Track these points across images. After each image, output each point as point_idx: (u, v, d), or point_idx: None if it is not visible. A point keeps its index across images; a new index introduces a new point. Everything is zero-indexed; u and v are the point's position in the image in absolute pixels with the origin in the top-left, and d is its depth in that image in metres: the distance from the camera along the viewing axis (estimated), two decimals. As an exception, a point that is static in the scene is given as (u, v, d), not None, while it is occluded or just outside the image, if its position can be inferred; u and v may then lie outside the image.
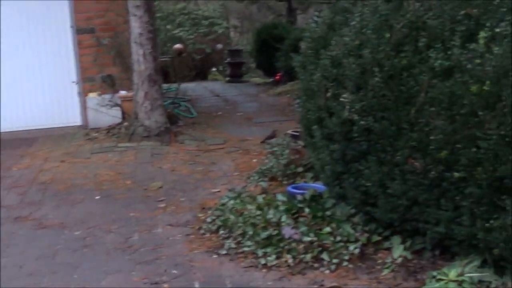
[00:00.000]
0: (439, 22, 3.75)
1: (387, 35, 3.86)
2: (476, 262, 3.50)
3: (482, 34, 3.54)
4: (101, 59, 8.94)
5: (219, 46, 17.10)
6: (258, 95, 12.12)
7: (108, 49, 8.83)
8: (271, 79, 14.03)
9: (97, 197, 5.67)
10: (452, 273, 3.47)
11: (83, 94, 9.02)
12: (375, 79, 3.79)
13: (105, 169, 6.64)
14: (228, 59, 15.96)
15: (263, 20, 20.24)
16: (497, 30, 3.57)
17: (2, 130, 8.62)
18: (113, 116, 8.73)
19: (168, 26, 16.83)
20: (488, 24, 3.65)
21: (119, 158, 7.11)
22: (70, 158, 7.22)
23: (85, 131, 8.62)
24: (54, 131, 8.72)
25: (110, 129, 8.38)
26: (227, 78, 15.51)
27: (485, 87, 3.29)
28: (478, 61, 3.42)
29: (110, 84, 8.82)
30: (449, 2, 3.85)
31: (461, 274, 3.45)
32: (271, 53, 13.50)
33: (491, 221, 3.30)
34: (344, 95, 4.02)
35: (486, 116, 3.29)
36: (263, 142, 7.29)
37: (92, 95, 8.87)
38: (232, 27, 21.65)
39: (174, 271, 3.95)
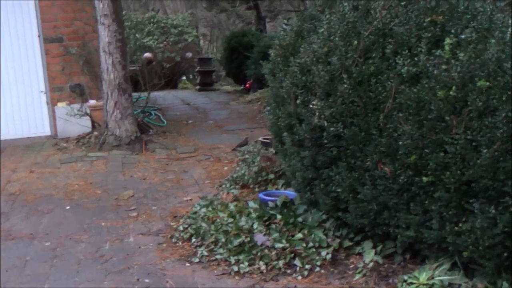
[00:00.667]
0: (406, 29, 3.80)
1: (355, 42, 3.90)
2: (446, 265, 3.56)
3: (447, 40, 3.59)
4: (69, 68, 8.85)
5: (189, 54, 17.07)
6: (228, 103, 12.12)
7: (77, 58, 8.75)
8: (241, 87, 14.05)
9: (67, 207, 5.59)
10: (423, 277, 3.53)
11: (51, 103, 8.91)
12: (344, 85, 3.82)
13: (75, 178, 6.56)
14: (198, 68, 15.94)
15: (233, 28, 20.30)
16: (462, 36, 3.63)
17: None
18: (82, 125, 8.64)
19: (137, 35, 16.72)
20: (453, 31, 3.73)
21: (89, 167, 7.03)
22: (39, 168, 7.12)
23: (54, 141, 8.51)
24: (23, 141, 8.60)
25: (79, 139, 8.29)
26: (197, 87, 15.48)
27: (451, 93, 3.34)
28: (444, 67, 3.47)
29: (79, 94, 8.73)
30: (415, 9, 3.91)
31: (432, 278, 3.51)
32: (241, 61, 13.53)
33: (460, 225, 3.33)
34: (314, 102, 4.04)
35: (453, 121, 3.34)
36: (234, 149, 7.30)
37: (60, 104, 8.77)
38: (201, 36, 21.63)
39: (147, 280, 3.92)
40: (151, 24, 17.72)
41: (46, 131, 8.97)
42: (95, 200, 5.77)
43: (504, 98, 3.17)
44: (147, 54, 15.36)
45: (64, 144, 8.19)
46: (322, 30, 4.25)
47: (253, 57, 12.80)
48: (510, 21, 4.10)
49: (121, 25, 8.01)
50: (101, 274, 4.05)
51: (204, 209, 4.92)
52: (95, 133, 8.31)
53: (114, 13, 7.70)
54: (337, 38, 4.02)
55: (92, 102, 8.61)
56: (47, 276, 4.06)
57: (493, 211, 3.16)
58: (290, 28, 5.03)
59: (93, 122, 8.63)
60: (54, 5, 8.79)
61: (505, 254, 3.21)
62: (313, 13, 4.89)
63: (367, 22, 3.98)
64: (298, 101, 4.22)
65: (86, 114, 8.56)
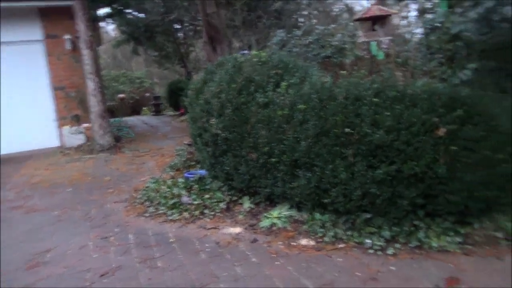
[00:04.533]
0: (261, 77, 3.91)
1: (233, 85, 3.96)
2: (287, 206, 3.68)
3: (283, 83, 3.74)
4: (70, 105, 8.35)
5: (147, 94, 16.57)
6: (170, 122, 11.88)
7: (74, 99, 8.28)
8: (177, 112, 13.81)
9: (68, 190, 5.31)
10: (275, 213, 3.63)
11: (59, 127, 8.37)
12: (228, 110, 3.88)
13: (75, 171, 6.22)
14: (153, 101, 15.50)
15: (172, 78, 19.94)
16: (291, 81, 3.79)
17: (4, 152, 7.82)
18: (79, 139, 8.18)
19: (115, 84, 16.07)
20: (286, 78, 3.87)
21: (84, 164, 6.70)
22: (52, 167, 6.70)
23: (62, 149, 7.99)
24: (41, 151, 8.00)
25: (78, 147, 7.85)
26: (152, 113, 15.05)
27: (285, 112, 3.48)
28: (282, 98, 3.61)
29: (76, 120, 8.26)
30: (266, 67, 4.02)
31: (280, 213, 3.62)
32: (177, 97, 13.27)
33: (293, 183, 3.47)
34: (212, 120, 4.06)
35: (286, 127, 3.47)
36: (188, 144, 6.82)
37: (65, 127, 8.25)
38: (154, 83, 21.02)
39: (116, 229, 3.81)
40: (124, 77, 17.08)
41: (56, 143, 8.40)
42: (86, 184, 5.51)
43: (313, 114, 3.33)
44: (121, 95, 14.80)
45: (68, 151, 7.71)
46: (216, 79, 4.28)
47: (184, 95, 12.61)
48: (313, 70, 4.33)
49: (101, 78, 7.68)
50: (88, 228, 3.90)
51: (153, 185, 4.82)
52: (88, 143, 7.89)
53: (96, 71, 7.39)
54: (224, 83, 4.07)
55: (85, 125, 8.15)
56: (55, 232, 3.87)
57: (309, 175, 3.31)
58: (199, 78, 5.00)
59: (86, 136, 8.19)
60: (58, 67, 8.29)
61: (317, 198, 3.37)
62: (212, 69, 4.91)
63: (240, 74, 4.04)
64: (203, 120, 4.22)
65: (81, 132, 8.11)
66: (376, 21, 3.34)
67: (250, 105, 3.77)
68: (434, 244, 2.91)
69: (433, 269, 2.69)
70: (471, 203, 2.96)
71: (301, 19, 18.79)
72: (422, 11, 4.10)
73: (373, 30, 3.39)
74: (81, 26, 7.28)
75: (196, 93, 4.74)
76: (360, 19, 3.42)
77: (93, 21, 7.61)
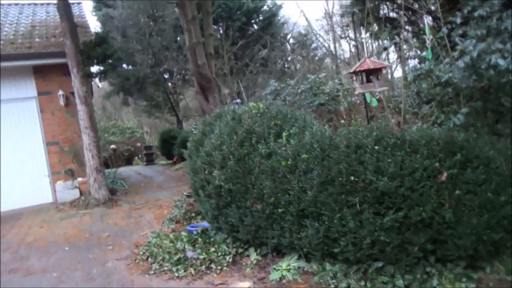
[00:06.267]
0: (262, 128, 3.95)
1: (235, 137, 3.99)
2: (295, 257, 3.62)
3: (284, 134, 3.79)
4: (63, 160, 8.27)
5: (138, 144, 16.57)
6: (164, 171, 11.79)
7: (68, 153, 8.22)
8: (170, 161, 13.78)
9: (66, 248, 5.11)
10: (284, 265, 3.57)
11: (52, 182, 8.24)
12: (231, 162, 3.89)
13: (71, 228, 6.03)
14: (144, 151, 15.49)
15: (162, 127, 20.10)
16: (291, 131, 3.85)
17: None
18: (73, 194, 8.03)
19: (106, 135, 16.07)
20: (286, 128, 3.94)
21: (79, 220, 6.51)
22: (46, 224, 6.49)
23: (55, 205, 7.80)
24: (35, 207, 7.80)
25: (72, 203, 7.67)
26: (145, 163, 14.98)
27: (289, 162, 3.51)
28: (284, 148, 3.65)
29: (71, 175, 8.15)
30: (266, 117, 4.09)
31: (289, 265, 3.56)
32: (169, 146, 13.34)
33: (300, 234, 3.44)
34: (215, 172, 4.06)
35: (291, 177, 3.49)
36: (187, 195, 6.72)
37: (59, 182, 8.13)
38: (145, 132, 21.09)
39: (122, 289, 3.67)
40: (114, 128, 17.12)
41: (50, 199, 8.23)
42: (84, 241, 5.33)
43: (316, 163, 3.38)
44: (112, 146, 14.76)
45: (62, 207, 7.52)
46: (216, 131, 4.31)
47: (176, 143, 12.71)
48: (311, 120, 4.43)
49: (96, 132, 7.67)
50: (92, 289, 3.75)
51: (154, 239, 4.71)
52: (82, 197, 7.73)
53: (92, 126, 7.40)
54: (225, 136, 4.10)
55: (80, 179, 8.05)
56: (56, 295, 3.70)
57: (317, 224, 3.31)
58: (198, 130, 5.03)
59: (80, 191, 8.05)
60: (52, 122, 8.31)
61: (325, 248, 3.35)
62: (210, 121, 4.97)
63: (241, 125, 4.09)
64: (206, 172, 4.22)
65: (76, 187, 7.99)
66: (371, 73, 3.50)
67: (253, 156, 3.80)
68: (448, 290, 2.88)
69: (451, 317, 2.65)
70: (480, 247, 2.97)
71: (287, 65, 19.44)
72: (404, 59, 4.32)
73: (368, 81, 3.54)
74: (76, 82, 7.39)
75: (196, 145, 4.76)
76: (355, 72, 3.57)
77: (88, 77, 7.72)
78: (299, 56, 20.33)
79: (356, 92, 3.69)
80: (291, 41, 20.55)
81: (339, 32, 22.28)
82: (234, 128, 4.10)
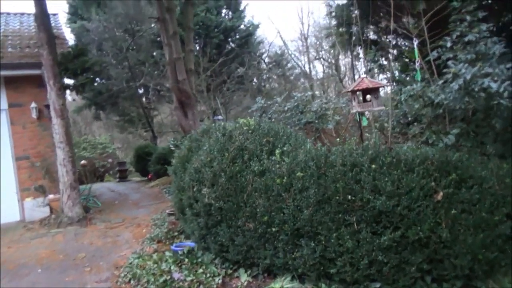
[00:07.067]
0: (254, 145, 3.89)
1: (226, 154, 3.91)
2: (289, 278, 3.49)
3: (277, 151, 3.74)
4: (34, 175, 7.83)
5: (110, 160, 16.04)
6: (139, 188, 11.38)
7: (39, 168, 7.80)
8: (145, 178, 13.38)
9: (39, 270, 4.76)
10: (277, 286, 3.44)
11: (21, 199, 7.76)
12: (222, 179, 3.79)
13: (42, 249, 5.64)
14: (117, 168, 14.98)
15: (135, 143, 19.63)
16: (284, 148, 3.81)
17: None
18: (43, 212, 7.57)
19: (76, 150, 15.46)
20: (279, 145, 3.89)
21: (51, 240, 6.11)
22: (15, 244, 6.05)
23: (23, 224, 7.31)
24: (1, 226, 7.32)
25: (42, 221, 7.20)
26: (117, 179, 14.48)
27: (283, 180, 3.45)
28: (277, 166, 3.60)
29: (41, 191, 7.70)
30: (258, 134, 4.03)
31: (282, 286, 3.44)
32: (145, 162, 12.99)
33: (295, 254, 3.36)
34: (204, 189, 3.94)
35: (285, 195, 3.42)
36: (169, 213, 6.32)
37: (28, 199, 7.67)
38: (117, 148, 20.49)
39: (105, 315, 3.42)
40: (85, 143, 16.55)
41: (17, 217, 7.71)
42: (59, 263, 4.98)
43: (312, 181, 3.33)
44: (83, 162, 14.20)
45: (31, 226, 7.05)
46: (205, 147, 4.22)
47: (152, 160, 12.39)
48: (303, 137, 4.40)
49: (72, 147, 7.33)
50: (70, 314, 3.48)
51: (136, 260, 4.48)
52: (53, 216, 7.28)
53: (67, 140, 7.07)
54: (215, 152, 4.01)
55: (51, 196, 7.62)
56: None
57: (313, 244, 3.24)
58: (184, 146, 4.90)
59: (51, 208, 7.61)
60: (22, 136, 7.89)
61: (321, 268, 3.27)
62: (197, 137, 4.87)
63: (232, 142, 4.02)
64: (194, 189, 4.09)
65: (47, 205, 7.54)
66: (367, 92, 3.53)
67: (245, 173, 3.71)
68: (446, 311, 2.86)
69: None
70: (476, 266, 2.99)
71: (263, 83, 19.62)
72: (390, 80, 4.42)
73: (365, 100, 3.56)
74: (52, 95, 7.08)
75: (182, 162, 4.64)
76: (353, 91, 3.59)
77: (65, 89, 7.43)
78: (274, 76, 20.59)
79: (353, 111, 3.71)
80: (267, 60, 20.81)
81: (313, 53, 22.83)
82: (225, 145, 4.02)
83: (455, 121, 3.68)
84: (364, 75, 3.46)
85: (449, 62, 3.47)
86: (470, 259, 2.98)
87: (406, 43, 6.47)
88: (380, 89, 3.55)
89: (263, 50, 20.82)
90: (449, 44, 3.59)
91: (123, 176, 14.32)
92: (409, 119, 4.46)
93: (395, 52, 5.66)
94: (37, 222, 7.28)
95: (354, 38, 5.47)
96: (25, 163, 7.83)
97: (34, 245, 5.91)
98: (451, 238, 2.98)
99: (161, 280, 3.84)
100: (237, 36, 18.35)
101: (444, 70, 3.83)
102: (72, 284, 4.22)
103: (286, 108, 5.67)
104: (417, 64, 3.90)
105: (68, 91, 9.21)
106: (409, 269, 3.02)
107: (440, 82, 3.55)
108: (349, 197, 3.14)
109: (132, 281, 4.03)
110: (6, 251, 5.74)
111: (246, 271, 3.82)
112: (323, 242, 3.19)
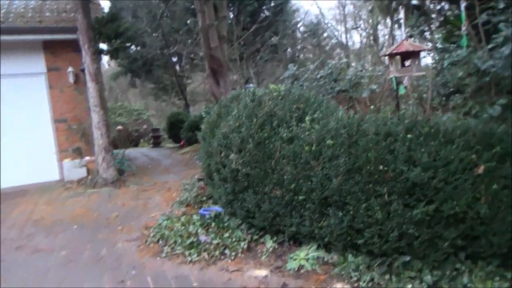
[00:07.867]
0: (283, 111, 3.78)
1: (255, 120, 3.82)
2: (314, 247, 3.46)
3: (307, 118, 3.61)
4: (71, 138, 8.13)
5: (145, 126, 16.40)
6: (171, 155, 11.62)
7: (76, 131, 8.07)
8: (177, 145, 13.61)
9: (74, 227, 5.00)
10: (302, 254, 3.42)
11: (60, 160, 8.10)
12: (250, 145, 3.72)
13: (78, 207, 5.92)
14: (151, 134, 15.32)
15: (168, 110, 19.93)
16: (315, 116, 3.67)
17: (4, 186, 7.50)
18: (80, 173, 7.90)
19: (113, 116, 15.91)
20: (310, 112, 3.76)
21: (87, 199, 6.39)
22: (53, 202, 6.37)
23: (62, 183, 7.68)
24: (41, 184, 7.70)
25: (79, 181, 7.54)
26: (151, 145, 14.83)
27: (312, 148, 3.34)
28: (307, 133, 3.48)
29: (78, 153, 8.01)
30: (288, 100, 3.91)
31: (307, 254, 3.41)
32: (177, 129, 13.17)
33: (321, 223, 3.30)
34: (232, 155, 3.90)
35: (314, 163, 3.32)
36: (199, 179, 6.41)
37: (66, 160, 8.00)
38: (151, 115, 20.91)
39: (133, 272, 3.55)
40: (121, 109, 16.95)
41: (56, 177, 8.10)
42: (92, 221, 5.22)
43: (342, 150, 3.20)
44: (119, 127, 14.61)
45: (69, 185, 7.40)
46: (234, 113, 4.14)
47: (184, 127, 12.54)
48: (335, 105, 4.23)
49: (106, 111, 7.49)
50: (101, 271, 3.62)
51: (165, 222, 4.59)
52: (90, 177, 7.59)
53: (102, 103, 7.22)
54: (244, 118, 3.93)
55: (87, 158, 7.91)
56: (64, 277, 3.57)
57: (341, 214, 3.15)
58: (213, 112, 4.86)
59: (88, 170, 7.92)
60: (60, 100, 8.14)
61: (348, 238, 3.19)
62: (226, 103, 4.80)
63: (261, 108, 3.92)
64: (222, 155, 4.06)
65: (84, 166, 7.84)
66: (407, 57, 3.28)
67: (273, 140, 3.62)
68: (479, 289, 2.72)
69: (484, 317, 2.49)
70: (516, 244, 2.80)
71: (297, 53, 19.13)
72: (441, 49, 4.08)
73: (403, 65, 3.33)
74: (87, 59, 7.18)
75: (211, 127, 4.60)
76: (391, 54, 3.36)
77: (99, 54, 7.51)
78: (309, 46, 20.01)
79: (390, 76, 3.49)
80: (302, 29, 20.20)
81: (351, 23, 21.90)
82: (254, 110, 3.92)
83: (502, 93, 3.39)
84: (404, 39, 3.22)
85: (501, 25, 3.15)
86: (510, 237, 2.79)
87: (452, 9, 6.00)
88: (421, 54, 3.29)
89: (298, 19, 20.18)
90: (501, 5, 3.25)
91: (156, 142, 14.63)
92: (451, 89, 4.17)
93: (438, 19, 5.25)
94: (75, 182, 7.60)
95: (394, 2, 5.11)
96: (63, 125, 8.11)
97: (71, 204, 6.19)
98: (490, 214, 2.79)
99: (188, 241, 3.92)
100: (272, 4, 17.82)
101: (494, 36, 3.50)
102: (103, 241, 4.39)
103: (319, 76, 5.46)
104: (463, 29, 3.58)
105: (104, 57, 9.34)
106: (442, 244, 2.87)
107: (489, 46, 3.25)
108: (381, 167, 2.98)
109: (160, 241, 4.15)
110: (45, 208, 6.04)
111: (271, 238, 3.81)
112: (351, 212, 3.08)
